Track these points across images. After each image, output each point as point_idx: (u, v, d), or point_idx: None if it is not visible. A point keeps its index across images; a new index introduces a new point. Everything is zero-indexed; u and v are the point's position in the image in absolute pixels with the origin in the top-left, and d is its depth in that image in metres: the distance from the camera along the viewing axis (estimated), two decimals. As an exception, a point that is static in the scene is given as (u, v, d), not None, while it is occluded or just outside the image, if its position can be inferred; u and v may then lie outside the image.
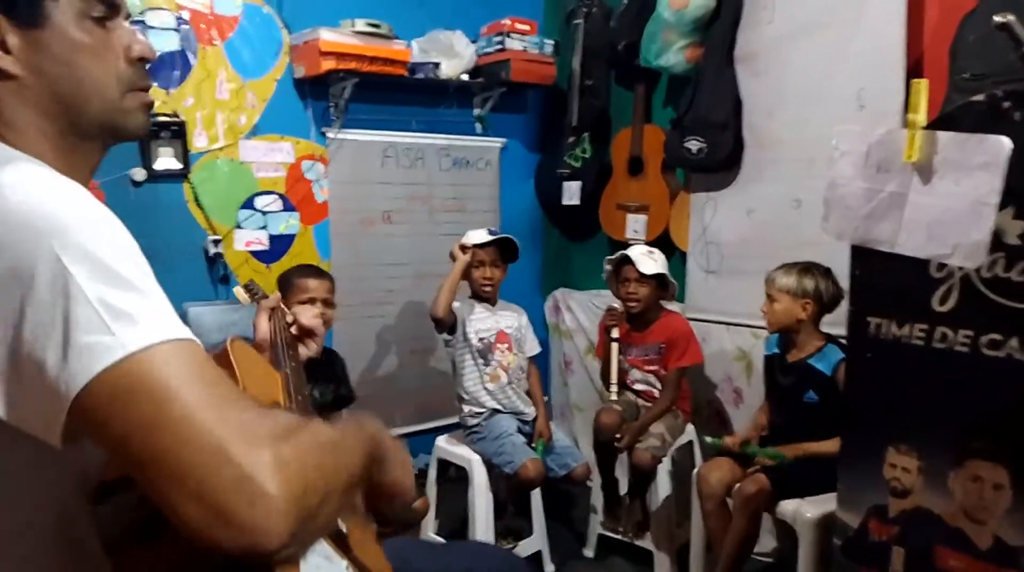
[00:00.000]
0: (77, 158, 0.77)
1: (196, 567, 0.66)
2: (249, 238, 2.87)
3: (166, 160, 2.64)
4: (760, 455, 2.19)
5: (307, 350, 1.26)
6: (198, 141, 2.73)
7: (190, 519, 0.57)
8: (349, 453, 0.72)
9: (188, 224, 2.73)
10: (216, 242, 2.76)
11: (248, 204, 2.86)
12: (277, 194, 2.92)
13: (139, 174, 2.57)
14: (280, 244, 2.94)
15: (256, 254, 2.89)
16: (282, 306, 1.28)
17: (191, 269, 2.75)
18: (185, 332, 0.64)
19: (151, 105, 0.82)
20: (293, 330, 1.27)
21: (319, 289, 2.25)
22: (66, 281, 0.59)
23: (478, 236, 2.63)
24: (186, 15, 2.67)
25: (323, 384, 2.28)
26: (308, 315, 1.26)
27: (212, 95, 2.74)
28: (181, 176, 2.69)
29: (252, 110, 2.84)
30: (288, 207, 2.95)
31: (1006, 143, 1.27)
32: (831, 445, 2.06)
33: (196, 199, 2.74)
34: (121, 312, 0.60)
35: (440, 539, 2.66)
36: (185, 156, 2.67)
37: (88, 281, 0.60)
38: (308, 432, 0.66)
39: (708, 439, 2.47)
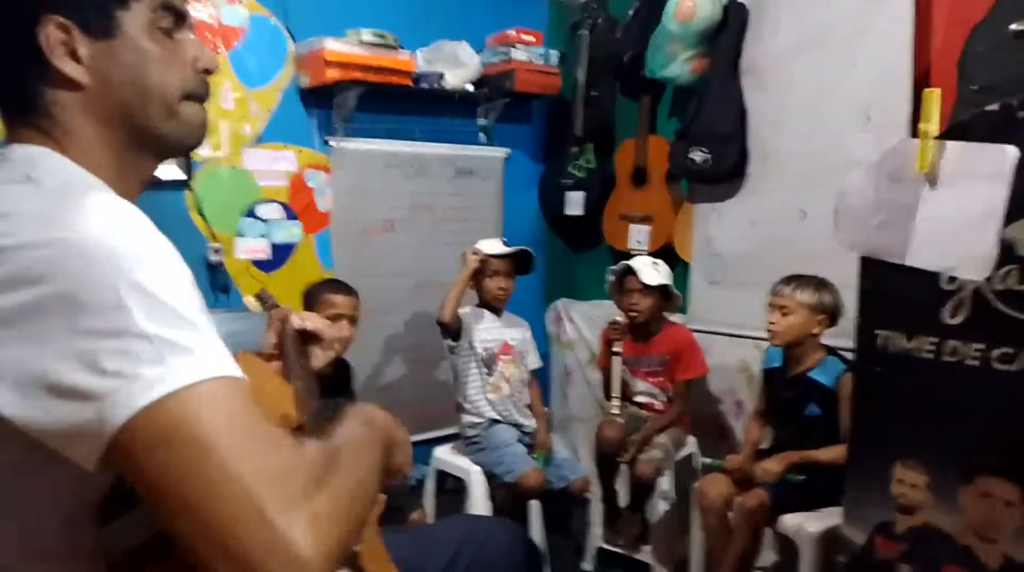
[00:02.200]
0: (132, 171, 0.78)
1: None
2: (250, 247, 2.86)
3: (168, 168, 2.63)
4: (791, 478, 2.15)
5: (315, 360, 1.24)
6: (201, 150, 2.71)
7: None
8: (372, 476, 0.73)
9: (189, 232, 2.71)
10: (217, 250, 2.75)
11: (250, 213, 2.85)
12: (279, 203, 2.91)
13: (141, 181, 2.56)
14: (281, 253, 2.93)
15: (257, 263, 2.87)
16: (294, 319, 1.24)
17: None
18: (235, 369, 0.63)
19: (206, 120, 0.82)
20: (305, 324, 1.23)
21: (345, 305, 2.25)
22: (121, 311, 0.59)
23: (493, 246, 2.62)
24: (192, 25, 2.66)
25: (340, 397, 2.26)
26: (315, 318, 1.23)
27: (216, 104, 2.73)
28: (183, 184, 2.68)
29: (256, 119, 2.83)
30: (290, 216, 2.94)
31: (1011, 152, 1.25)
32: (835, 452, 2.04)
33: (198, 207, 2.73)
34: (175, 345, 0.59)
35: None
36: (187, 164, 2.66)
37: (143, 313, 0.59)
38: (340, 473, 0.66)
39: (707, 461, 2.45)
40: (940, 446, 1.45)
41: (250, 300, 1.34)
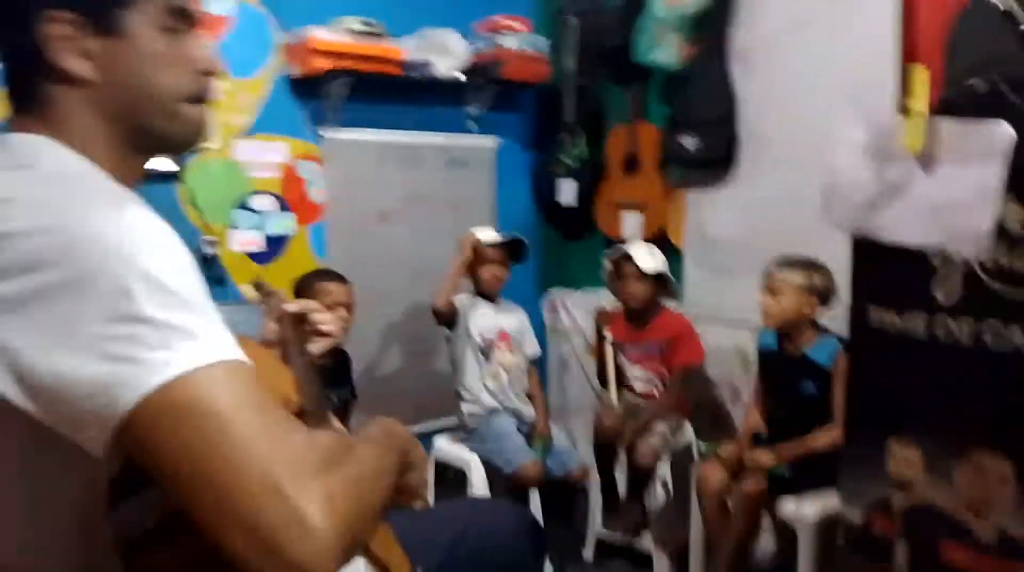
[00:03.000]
0: (127, 167, 0.78)
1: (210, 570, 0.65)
2: (244, 239, 2.85)
3: (160, 161, 2.62)
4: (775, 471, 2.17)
5: (314, 346, 1.24)
6: (192, 141, 2.70)
7: (238, 549, 0.58)
8: (387, 476, 0.75)
9: (183, 225, 2.70)
10: (212, 243, 2.74)
11: (243, 205, 2.84)
12: (272, 194, 2.90)
13: (133, 175, 2.55)
14: (276, 245, 2.92)
15: (252, 255, 2.87)
16: (291, 307, 1.23)
17: (186, 271, 2.72)
18: (240, 353, 0.64)
19: (205, 120, 0.83)
20: (301, 307, 1.23)
21: (340, 293, 2.25)
22: (126, 296, 0.59)
23: (487, 234, 2.63)
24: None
25: (340, 387, 2.26)
26: (309, 303, 1.23)
27: (205, 96, 2.71)
28: (175, 177, 2.66)
29: (246, 110, 2.82)
30: (283, 207, 2.93)
31: (1008, 130, 1.26)
32: (830, 437, 2.06)
33: (191, 200, 2.72)
34: (181, 329, 0.60)
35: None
36: (179, 156, 2.65)
37: (148, 298, 0.60)
38: (353, 460, 0.68)
39: (704, 446, 2.46)
40: (933, 423, 1.46)
41: (248, 289, 1.33)
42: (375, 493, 0.70)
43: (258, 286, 1.32)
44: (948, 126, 1.35)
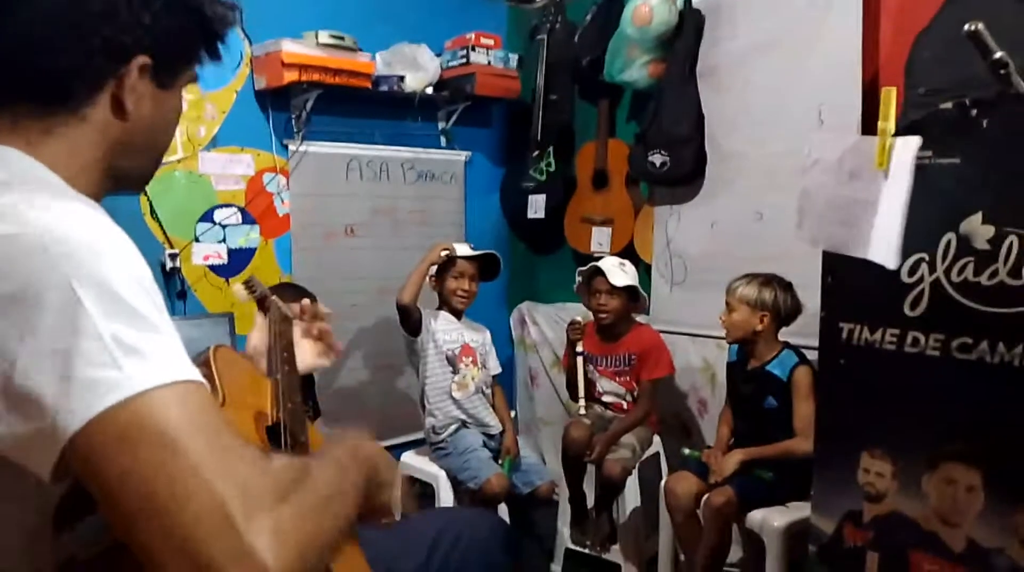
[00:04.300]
0: (96, 192, 0.78)
1: None
2: (207, 252, 2.79)
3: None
4: (760, 474, 2.19)
5: (324, 360, 1.22)
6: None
7: None
8: (348, 498, 0.72)
9: (144, 237, 2.63)
10: (173, 257, 2.68)
11: (207, 217, 2.78)
12: (237, 207, 2.85)
13: (93, 186, 2.48)
14: (239, 258, 2.87)
15: (214, 268, 2.81)
16: (282, 309, 1.21)
17: (147, 284, 2.65)
18: (195, 373, 0.61)
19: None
20: (314, 331, 1.21)
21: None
22: (76, 311, 0.56)
23: (462, 249, 2.63)
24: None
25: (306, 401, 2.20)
26: (320, 309, 1.20)
27: (169, 105, 2.66)
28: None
29: (211, 122, 2.77)
30: (248, 220, 2.89)
31: (913, 142, 1.33)
32: (786, 445, 2.14)
33: (152, 212, 2.66)
34: (131, 348, 0.57)
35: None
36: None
37: (100, 313, 0.57)
38: (309, 486, 0.64)
39: (686, 451, 2.48)
40: (905, 435, 1.50)
41: (238, 289, 1.28)
42: (334, 520, 0.67)
43: (248, 284, 1.28)
44: (898, 144, 1.40)
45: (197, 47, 0.81)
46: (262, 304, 1.27)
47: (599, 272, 2.56)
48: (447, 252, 2.60)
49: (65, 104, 0.73)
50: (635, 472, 2.56)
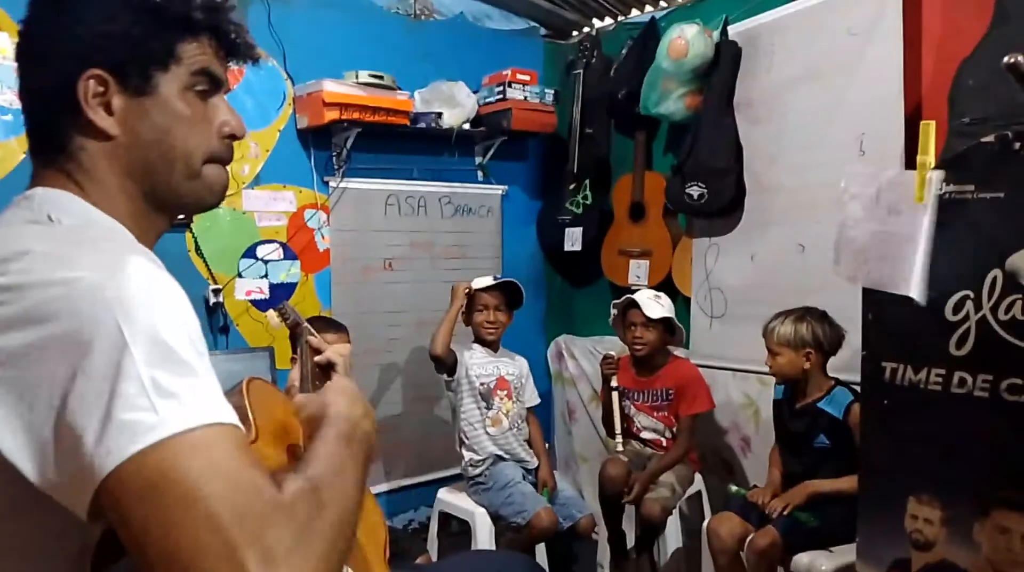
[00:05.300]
0: (147, 224, 0.80)
1: None
2: (250, 287, 2.85)
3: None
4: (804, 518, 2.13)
5: None
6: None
7: None
8: (358, 499, 0.71)
9: (189, 273, 2.71)
10: (216, 292, 2.74)
11: (249, 253, 2.85)
12: (279, 243, 2.91)
13: (141, 224, 2.56)
14: (281, 293, 2.92)
15: (256, 302, 2.87)
16: (314, 337, 1.21)
17: (191, 319, 2.72)
18: (228, 415, 0.62)
19: (227, 182, 0.84)
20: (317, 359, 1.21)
21: (334, 342, 2.22)
22: (123, 355, 0.58)
23: (482, 281, 2.64)
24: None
25: None
26: (334, 350, 1.20)
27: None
28: (183, 225, 2.68)
29: (255, 160, 2.85)
30: (289, 256, 2.94)
31: (935, 176, 1.30)
32: (842, 482, 2.05)
33: (197, 248, 2.73)
34: (169, 392, 0.59)
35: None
36: (187, 206, 2.67)
37: (144, 359, 0.59)
38: (324, 516, 0.63)
39: (732, 488, 2.41)
40: (953, 480, 1.43)
41: (271, 314, 1.29)
42: (348, 540, 0.66)
43: (281, 312, 1.29)
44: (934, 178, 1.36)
45: (158, 44, 0.76)
46: (294, 331, 1.28)
47: (634, 304, 2.54)
48: (468, 290, 2.61)
49: (58, 142, 0.76)
50: (676, 512, 2.50)
